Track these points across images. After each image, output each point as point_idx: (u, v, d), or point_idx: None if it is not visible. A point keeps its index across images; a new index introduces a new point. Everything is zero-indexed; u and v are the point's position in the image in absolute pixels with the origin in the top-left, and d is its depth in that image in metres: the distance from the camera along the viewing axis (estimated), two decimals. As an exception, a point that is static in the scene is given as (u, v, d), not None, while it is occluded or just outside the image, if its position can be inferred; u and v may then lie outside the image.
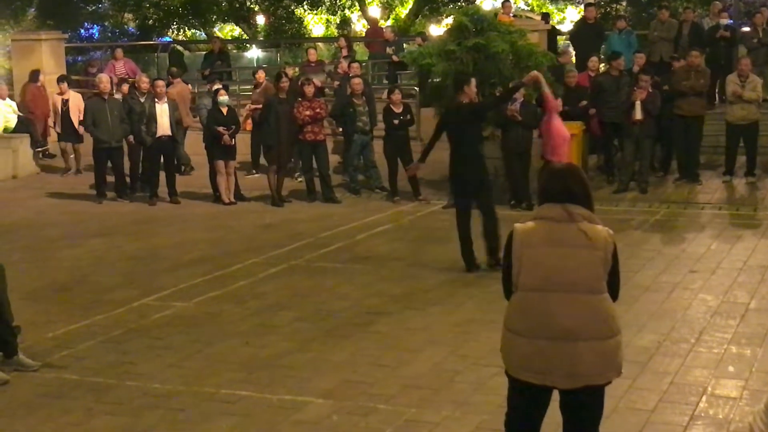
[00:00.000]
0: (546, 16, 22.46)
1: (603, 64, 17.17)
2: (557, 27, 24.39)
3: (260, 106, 16.49)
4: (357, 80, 15.78)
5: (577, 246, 4.72)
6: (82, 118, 16.96)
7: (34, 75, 19.24)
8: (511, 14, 21.01)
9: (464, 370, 7.40)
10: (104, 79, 15.93)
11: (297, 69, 18.23)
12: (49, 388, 7.24)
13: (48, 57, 20.43)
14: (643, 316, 8.59)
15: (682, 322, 8.51)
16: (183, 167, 17.20)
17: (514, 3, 31.72)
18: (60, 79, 18.19)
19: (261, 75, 17.90)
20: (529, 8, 32.73)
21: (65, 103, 17.65)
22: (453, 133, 10.79)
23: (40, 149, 18.52)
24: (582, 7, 25.26)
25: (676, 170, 15.65)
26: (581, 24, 19.44)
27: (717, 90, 18.09)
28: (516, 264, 4.81)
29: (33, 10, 30.09)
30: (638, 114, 14.49)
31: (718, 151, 16.11)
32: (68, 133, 17.66)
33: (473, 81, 10.86)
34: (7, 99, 18.63)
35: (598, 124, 15.48)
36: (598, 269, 4.73)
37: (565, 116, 15.27)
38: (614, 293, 4.85)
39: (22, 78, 20.32)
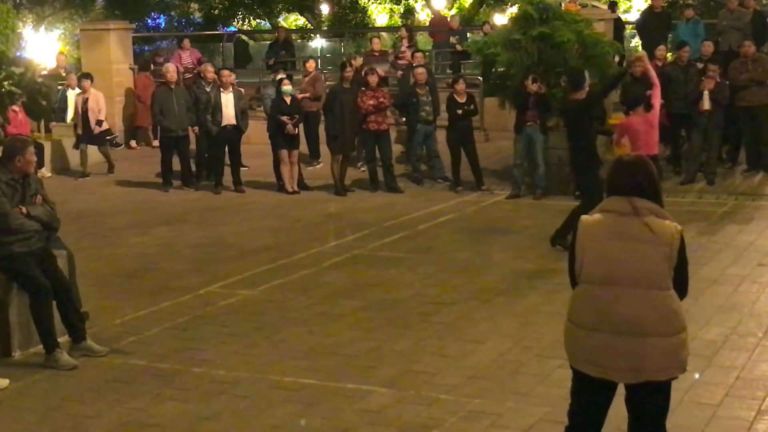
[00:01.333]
0: (613, 5, 22.15)
1: (670, 54, 16.90)
2: (623, 16, 24.07)
3: (308, 95, 16.59)
4: (420, 70, 15.76)
5: (641, 241, 4.66)
6: (100, 117, 16.96)
7: (146, 64, 19.35)
8: (577, 3, 20.80)
9: (528, 361, 7.38)
10: (171, 69, 16.12)
11: (361, 58, 18.23)
12: (116, 373, 7.37)
13: (116, 47, 20.71)
14: (709, 310, 8.48)
15: (749, 316, 8.38)
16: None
17: (580, -8, 31.47)
18: (83, 76, 17.63)
19: (311, 64, 17.88)
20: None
21: (85, 102, 17.01)
22: (573, 130, 10.94)
23: (109, 137, 18.75)
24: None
25: (744, 161, 15.38)
26: (647, 13, 19.15)
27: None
28: (579, 256, 4.78)
29: (101, 1, 30.55)
30: (706, 104, 14.27)
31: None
32: (87, 134, 17.04)
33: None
34: (77, 88, 18.91)
35: (665, 115, 15.25)
36: (662, 265, 4.66)
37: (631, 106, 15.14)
38: (682, 290, 4.77)
39: (90, 67, 20.63)
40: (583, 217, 4.85)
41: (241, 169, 15.95)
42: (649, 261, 4.65)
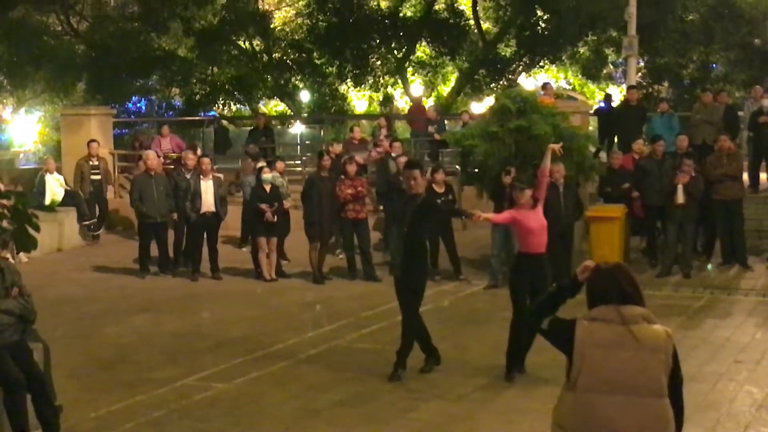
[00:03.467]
0: (608, 98, 22.35)
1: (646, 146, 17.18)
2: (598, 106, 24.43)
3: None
4: (404, 158, 15.88)
5: (638, 349, 4.65)
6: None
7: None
8: (552, 95, 21.13)
9: (506, 461, 7.34)
10: (151, 156, 16.24)
11: (341, 145, 18.38)
12: (90, 470, 7.27)
13: (96, 131, 20.84)
14: (687, 409, 8.31)
15: (727, 416, 8.39)
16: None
17: (555, 81, 32.04)
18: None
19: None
20: (570, 87, 32.93)
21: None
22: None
23: (87, 223, 18.77)
24: (623, 86, 25.35)
25: (719, 254, 15.52)
26: (623, 106, 19.51)
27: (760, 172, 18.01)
28: (577, 361, 4.72)
29: (82, 84, 30.74)
30: (680, 198, 14.45)
31: (762, 235, 16.01)
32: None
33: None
34: (55, 173, 18.98)
35: (641, 207, 15.46)
36: (660, 372, 4.67)
37: (608, 198, 15.33)
38: (679, 396, 4.77)
39: (70, 151, 20.73)
40: (581, 322, 4.78)
41: (283, 261, 15.97)
42: (647, 369, 4.65)
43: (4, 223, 4.76)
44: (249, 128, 24.45)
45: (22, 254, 16.04)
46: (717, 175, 14.95)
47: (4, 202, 4.74)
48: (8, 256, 8.21)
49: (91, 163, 19.13)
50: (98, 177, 19.19)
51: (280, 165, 16.48)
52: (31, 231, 4.75)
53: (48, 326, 10.20)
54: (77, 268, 16.58)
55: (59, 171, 19.44)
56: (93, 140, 19.56)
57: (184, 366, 10.19)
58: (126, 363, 10.46)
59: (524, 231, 9.83)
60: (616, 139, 18.95)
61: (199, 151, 17.36)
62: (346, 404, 8.82)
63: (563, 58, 31.00)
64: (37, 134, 30.89)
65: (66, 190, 18.98)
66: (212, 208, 15.50)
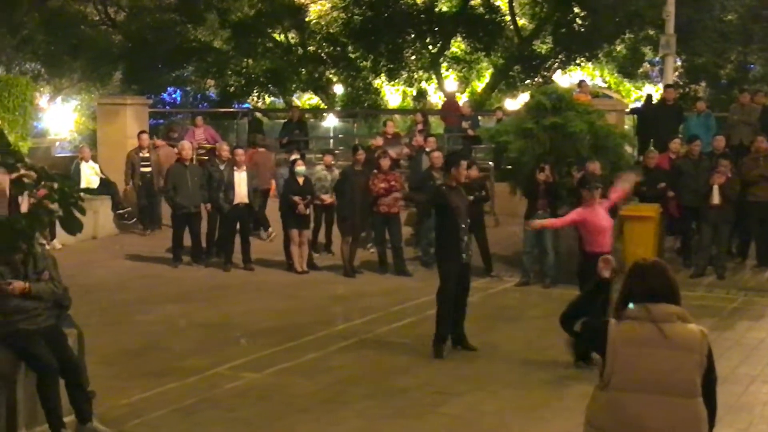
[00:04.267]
0: (649, 98, 22.16)
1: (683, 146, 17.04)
2: (635, 105, 24.28)
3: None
4: (437, 154, 15.87)
5: (671, 348, 4.63)
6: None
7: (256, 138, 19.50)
8: (588, 93, 21.01)
9: (536, 458, 7.31)
10: (186, 146, 16.34)
11: (381, 139, 18.39)
12: (121, 456, 7.32)
13: (132, 121, 20.92)
14: (720, 410, 8.27)
15: (760, 418, 8.32)
16: (265, 231, 17.34)
17: (591, 79, 31.84)
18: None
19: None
20: (606, 85, 32.73)
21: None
22: None
23: (121, 211, 18.86)
24: (660, 85, 25.13)
25: (754, 256, 15.38)
26: (660, 105, 19.35)
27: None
28: (610, 361, 4.70)
29: (119, 73, 30.96)
30: (716, 198, 14.33)
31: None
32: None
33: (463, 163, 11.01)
34: (90, 161, 19.09)
35: (676, 207, 15.33)
36: (694, 372, 4.64)
37: (643, 197, 15.22)
38: (712, 397, 4.73)
39: (105, 141, 20.86)
40: (612, 321, 4.76)
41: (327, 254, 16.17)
42: (682, 369, 4.62)
43: (51, 206, 4.79)
44: (282, 121, 24.49)
45: (55, 241, 16.22)
46: (753, 177, 14.81)
47: (51, 184, 4.76)
48: (44, 242, 8.27)
49: (141, 155, 18.41)
50: (149, 169, 18.31)
51: (327, 158, 16.44)
52: (77, 213, 4.78)
53: (81, 313, 10.24)
54: (111, 256, 16.69)
55: (94, 159, 19.53)
56: (143, 131, 18.99)
57: (215, 355, 10.23)
58: (157, 351, 10.52)
59: (597, 229, 9.85)
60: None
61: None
62: (376, 397, 8.82)
63: (599, 55, 30.80)
64: (73, 123, 31.13)
65: (101, 179, 19.10)
66: (245, 200, 15.54)
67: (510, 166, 15.71)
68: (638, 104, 23.87)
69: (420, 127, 20.21)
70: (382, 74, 31.02)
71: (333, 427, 7.99)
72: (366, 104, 30.86)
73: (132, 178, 18.42)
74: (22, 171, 5.05)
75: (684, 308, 4.79)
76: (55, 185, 4.69)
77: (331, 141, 26.31)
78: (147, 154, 18.36)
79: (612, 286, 5.08)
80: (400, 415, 8.31)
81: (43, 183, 4.69)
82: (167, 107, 31.47)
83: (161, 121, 28.58)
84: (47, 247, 14.61)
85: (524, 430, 7.93)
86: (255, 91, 31.11)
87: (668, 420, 4.59)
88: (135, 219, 18.82)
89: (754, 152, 15.19)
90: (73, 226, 4.72)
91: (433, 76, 31.64)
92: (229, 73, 30.99)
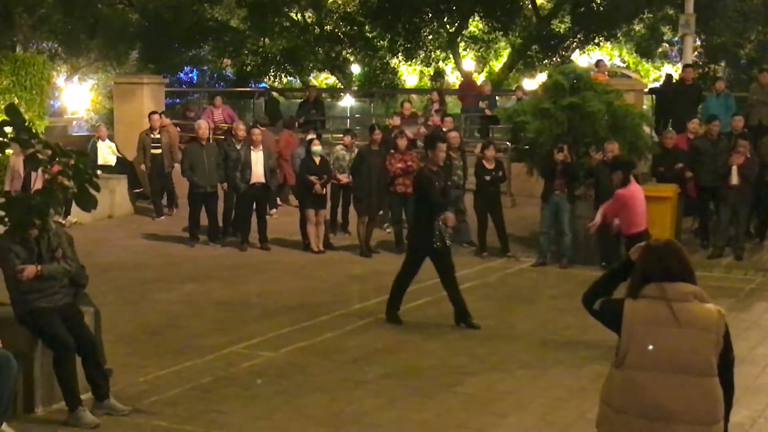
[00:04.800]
0: (669, 77, 22.00)
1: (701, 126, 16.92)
2: (654, 85, 24.10)
3: None
4: (454, 134, 15.84)
5: (689, 327, 4.61)
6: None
7: (291, 121, 19.39)
8: (606, 72, 20.85)
9: (552, 438, 7.30)
10: (203, 126, 16.33)
11: (398, 118, 18.32)
12: (138, 434, 7.35)
13: (148, 100, 20.95)
14: (737, 391, 8.29)
15: (778, 399, 8.27)
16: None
17: (610, 59, 31.64)
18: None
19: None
20: (625, 65, 32.52)
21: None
22: None
23: (138, 190, 18.91)
24: (679, 65, 24.94)
25: (773, 237, 15.31)
26: (679, 85, 19.20)
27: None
28: (625, 341, 4.68)
29: (135, 53, 30.96)
30: (734, 179, 14.24)
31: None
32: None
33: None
34: (107, 140, 19.14)
35: (694, 187, 15.25)
36: (711, 351, 4.62)
37: (661, 178, 15.14)
38: (729, 376, 4.71)
39: (122, 120, 20.90)
40: (629, 301, 4.75)
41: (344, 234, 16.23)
42: (699, 348, 4.60)
43: (66, 182, 4.80)
44: (299, 100, 24.46)
45: (70, 216, 16.25)
46: (773, 157, 14.72)
47: (66, 160, 4.77)
48: (60, 219, 8.30)
49: (152, 135, 18.15)
50: (159, 151, 18.04)
51: (347, 139, 16.37)
52: (92, 190, 4.79)
53: (98, 291, 10.31)
54: (128, 235, 16.74)
55: (111, 138, 19.60)
56: (153, 112, 18.73)
57: (232, 334, 10.26)
58: (174, 329, 10.56)
59: (639, 209, 9.95)
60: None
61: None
62: (392, 377, 8.82)
63: (618, 35, 30.57)
64: (90, 102, 31.20)
65: (117, 158, 19.15)
66: (262, 180, 15.54)
67: (527, 146, 15.65)
68: (657, 84, 23.68)
69: (436, 106, 20.14)
70: (399, 54, 30.89)
71: (349, 405, 7.99)
72: (383, 84, 30.75)
73: (144, 161, 18.29)
74: (37, 147, 5.06)
75: (700, 287, 4.77)
76: (71, 162, 4.69)
77: (348, 121, 26.24)
78: (158, 135, 18.19)
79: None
80: (416, 394, 8.31)
81: (57, 159, 4.69)
82: (184, 86, 31.47)
83: (178, 100, 28.59)
84: (63, 223, 14.71)
85: (540, 410, 7.91)
86: (272, 71, 31.04)
87: (683, 399, 4.57)
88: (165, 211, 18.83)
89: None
90: (87, 203, 4.73)
91: (451, 56, 31.50)
92: (246, 52, 30.92)
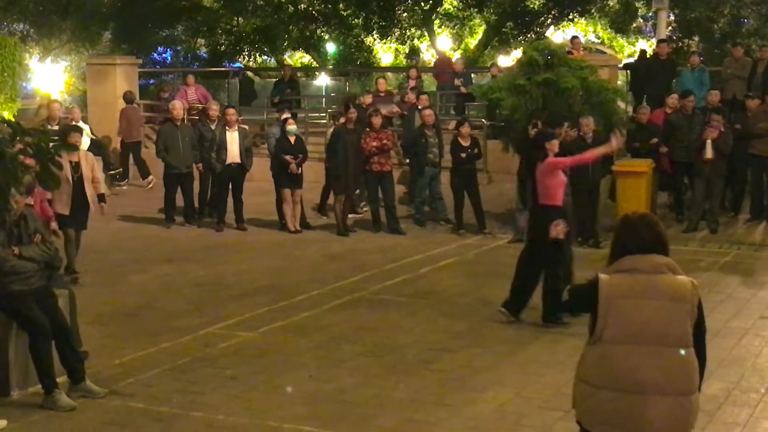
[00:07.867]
0: (643, 53, 22.00)
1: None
2: (628, 61, 24.14)
3: None
4: (428, 112, 15.81)
5: (665, 299, 4.64)
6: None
7: (128, 96, 19.60)
8: (581, 49, 20.87)
9: (529, 413, 7.33)
10: (177, 106, 16.21)
11: (371, 96, 18.25)
12: (115, 416, 7.33)
13: (122, 81, 20.81)
14: (711, 363, 8.23)
15: (752, 371, 8.35)
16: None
17: (584, 35, 31.66)
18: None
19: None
20: (599, 41, 32.56)
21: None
22: None
23: (112, 172, 18.79)
24: (653, 40, 25.00)
25: (747, 211, 15.38)
26: (653, 60, 19.24)
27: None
28: (602, 315, 4.69)
29: (108, 33, 30.69)
30: (709, 153, 14.28)
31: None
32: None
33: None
34: (81, 122, 18.96)
35: (668, 162, 15.30)
36: (686, 322, 4.66)
37: (636, 153, 15.18)
38: (702, 346, 4.76)
39: (96, 101, 20.74)
40: (602, 276, 4.76)
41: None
42: (674, 319, 4.64)
43: (28, 161, 4.75)
44: (274, 80, 24.34)
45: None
46: (759, 129, 14.76)
47: (28, 139, 4.72)
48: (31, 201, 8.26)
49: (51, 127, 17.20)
50: None
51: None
52: (54, 169, 4.74)
53: (74, 274, 10.28)
54: (103, 217, 16.57)
55: (85, 120, 19.43)
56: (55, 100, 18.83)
57: (209, 314, 10.24)
58: (151, 311, 10.52)
59: (561, 181, 9.90)
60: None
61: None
62: (369, 355, 8.84)
63: (592, 11, 30.60)
64: (63, 84, 30.91)
65: (91, 140, 18.97)
66: (237, 160, 15.46)
67: (503, 123, 15.64)
68: (631, 59, 23.72)
69: (412, 84, 20.09)
70: (374, 32, 30.79)
71: (326, 384, 8.00)
72: (358, 62, 30.66)
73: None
74: (-1, 126, 5.01)
75: (675, 261, 4.79)
76: (33, 141, 4.65)
77: (324, 99, 26.15)
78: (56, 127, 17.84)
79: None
80: (394, 371, 8.33)
81: (18, 138, 4.64)
82: (157, 67, 31.25)
83: (152, 81, 28.39)
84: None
85: (517, 385, 7.95)
86: (246, 50, 30.88)
87: (662, 370, 4.61)
88: (126, 180, 18.82)
89: (764, 105, 15.10)
90: (50, 182, 4.69)
91: (426, 34, 31.42)
92: (220, 32, 30.76)
